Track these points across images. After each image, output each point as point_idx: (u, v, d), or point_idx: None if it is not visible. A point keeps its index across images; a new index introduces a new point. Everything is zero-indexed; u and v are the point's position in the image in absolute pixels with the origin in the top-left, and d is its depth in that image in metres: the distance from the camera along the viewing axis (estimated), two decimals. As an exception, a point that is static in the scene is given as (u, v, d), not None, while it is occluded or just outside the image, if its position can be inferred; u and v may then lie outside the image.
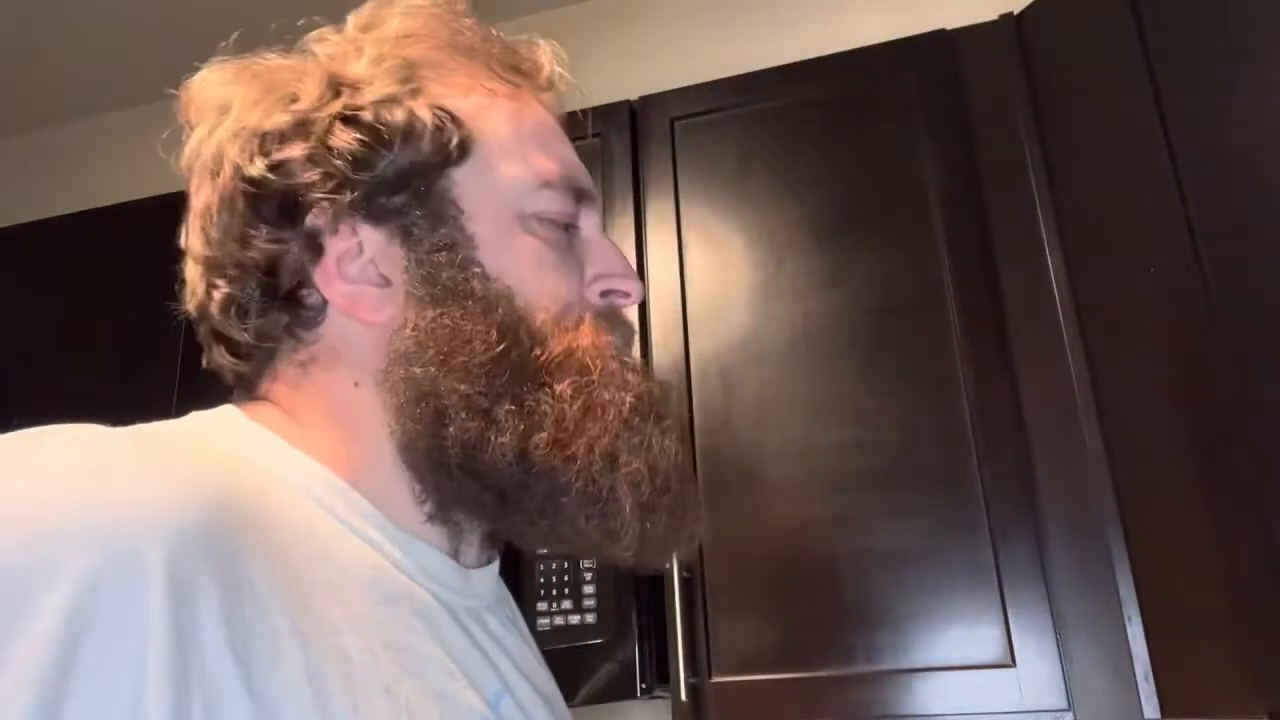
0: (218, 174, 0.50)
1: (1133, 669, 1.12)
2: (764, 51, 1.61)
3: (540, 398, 0.48)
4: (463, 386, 0.47)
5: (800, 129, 1.45)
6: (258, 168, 0.48)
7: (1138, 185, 1.20)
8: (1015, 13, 1.40)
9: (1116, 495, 1.18)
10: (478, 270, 0.50)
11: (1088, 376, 1.23)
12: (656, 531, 0.49)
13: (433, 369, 0.48)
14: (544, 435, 0.47)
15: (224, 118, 0.51)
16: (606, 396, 0.49)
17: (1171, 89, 1.17)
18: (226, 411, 0.50)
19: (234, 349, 0.52)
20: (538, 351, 0.49)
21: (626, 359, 0.53)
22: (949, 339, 1.29)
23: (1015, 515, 1.20)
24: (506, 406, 0.47)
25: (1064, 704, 1.12)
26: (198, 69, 0.54)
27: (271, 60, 0.54)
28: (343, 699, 0.40)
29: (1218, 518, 1.10)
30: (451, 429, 0.47)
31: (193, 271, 0.53)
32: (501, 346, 0.48)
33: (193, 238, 0.52)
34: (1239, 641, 1.07)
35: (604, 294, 0.55)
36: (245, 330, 0.51)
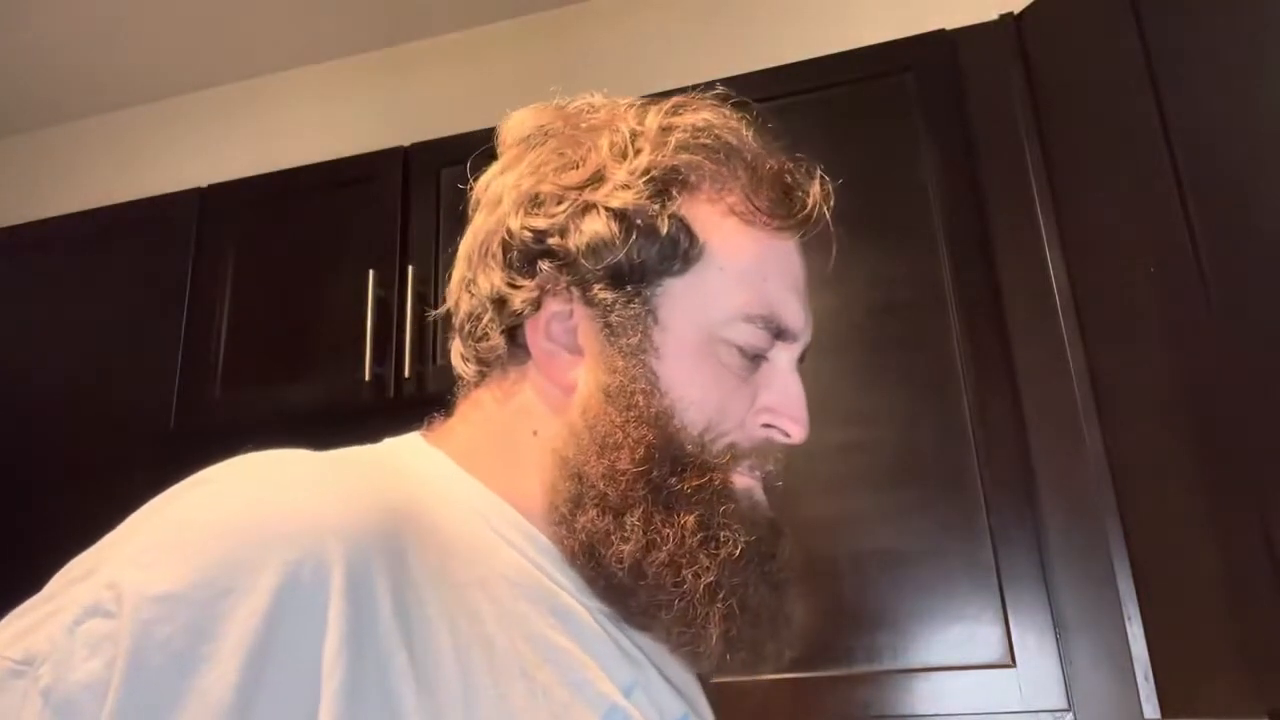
0: (492, 212, 0.58)
1: (1133, 669, 1.12)
2: (764, 51, 1.61)
3: (667, 519, 0.53)
4: (602, 484, 0.53)
5: (800, 129, 1.45)
6: (517, 223, 0.56)
7: (1138, 185, 1.20)
8: (1015, 13, 1.40)
9: (1116, 495, 1.18)
10: (648, 383, 0.54)
11: (1088, 377, 1.23)
12: (737, 658, 0.55)
13: (586, 456, 0.54)
14: (661, 555, 0.52)
15: (514, 166, 0.59)
16: (724, 535, 0.53)
17: (1171, 89, 1.17)
18: (412, 437, 0.59)
19: (464, 356, 0.61)
20: (674, 480, 0.53)
21: (756, 500, 0.57)
22: (949, 339, 1.29)
23: (1015, 515, 1.20)
24: (635, 517, 0.53)
25: (1064, 704, 1.12)
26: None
27: (575, 119, 0.60)
28: (485, 677, 0.47)
29: (1218, 518, 1.10)
30: (581, 519, 0.53)
31: (456, 279, 0.61)
32: (643, 467, 0.53)
33: (462, 251, 0.60)
34: (1239, 641, 1.07)
35: (765, 425, 0.58)
36: (471, 344, 0.59)
